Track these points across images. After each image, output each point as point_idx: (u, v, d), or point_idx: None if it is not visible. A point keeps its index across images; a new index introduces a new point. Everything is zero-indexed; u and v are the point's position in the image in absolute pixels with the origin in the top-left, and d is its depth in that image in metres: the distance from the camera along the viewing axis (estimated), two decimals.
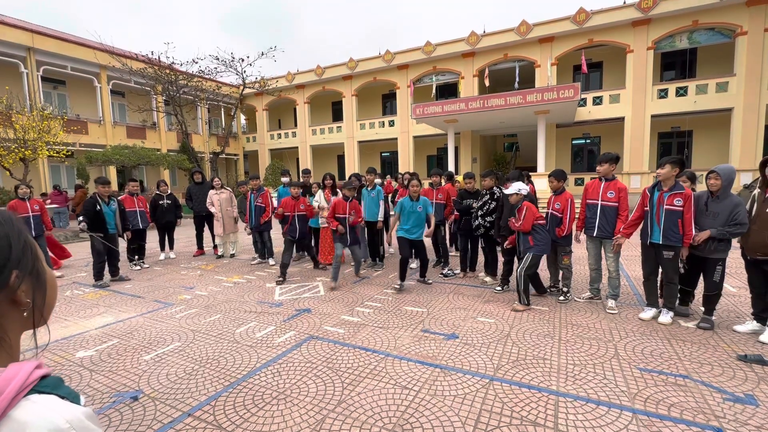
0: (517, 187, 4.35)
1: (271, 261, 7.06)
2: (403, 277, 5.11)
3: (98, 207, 5.84)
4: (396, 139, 21.21)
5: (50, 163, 16.54)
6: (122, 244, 6.64)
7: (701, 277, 3.77)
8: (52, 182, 16.76)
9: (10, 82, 15.23)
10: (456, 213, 5.81)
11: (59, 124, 12.86)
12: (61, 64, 16.98)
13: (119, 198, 6.57)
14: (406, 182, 6.70)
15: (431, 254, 7.20)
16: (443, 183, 6.41)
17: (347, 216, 5.42)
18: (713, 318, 3.65)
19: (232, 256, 7.83)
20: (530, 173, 8.86)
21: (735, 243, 3.63)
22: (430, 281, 5.41)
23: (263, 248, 7.14)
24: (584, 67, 15.51)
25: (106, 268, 5.99)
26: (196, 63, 16.80)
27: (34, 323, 0.62)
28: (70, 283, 6.01)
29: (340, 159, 24.11)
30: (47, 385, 0.55)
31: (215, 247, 7.86)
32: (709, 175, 3.62)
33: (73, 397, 0.57)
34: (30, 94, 15.68)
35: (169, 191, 7.76)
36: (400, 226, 5.16)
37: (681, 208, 3.59)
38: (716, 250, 3.54)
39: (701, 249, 3.60)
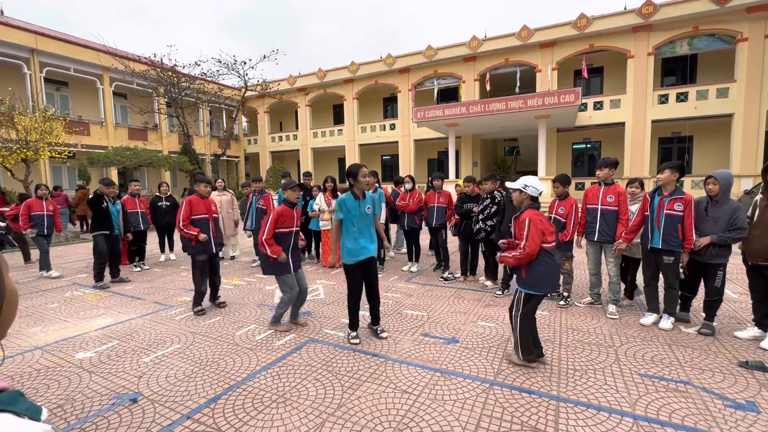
0: (523, 182, 2.96)
1: None
2: (356, 325, 3.62)
3: (104, 204, 5.90)
4: (397, 142, 21.26)
5: (52, 164, 16.57)
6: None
7: (702, 283, 3.77)
8: (54, 183, 16.79)
9: (13, 83, 15.28)
10: (456, 217, 5.81)
11: (61, 126, 12.90)
12: (64, 66, 17.07)
13: (122, 199, 6.61)
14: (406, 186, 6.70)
15: (431, 258, 7.20)
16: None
17: (293, 230, 3.91)
18: (714, 324, 3.64)
19: (233, 258, 7.82)
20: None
21: (736, 248, 3.63)
22: (385, 335, 3.64)
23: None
24: (585, 72, 15.58)
25: (107, 270, 6.00)
26: (199, 65, 16.89)
27: None
28: (70, 284, 6.01)
29: (341, 162, 24.16)
30: (1, 401, 0.50)
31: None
32: (707, 180, 3.64)
33: (32, 413, 0.52)
34: (33, 95, 15.75)
35: (169, 193, 7.77)
36: (344, 242, 3.51)
37: (681, 213, 3.59)
38: (717, 255, 3.54)
39: (702, 254, 3.59)
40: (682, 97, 15.27)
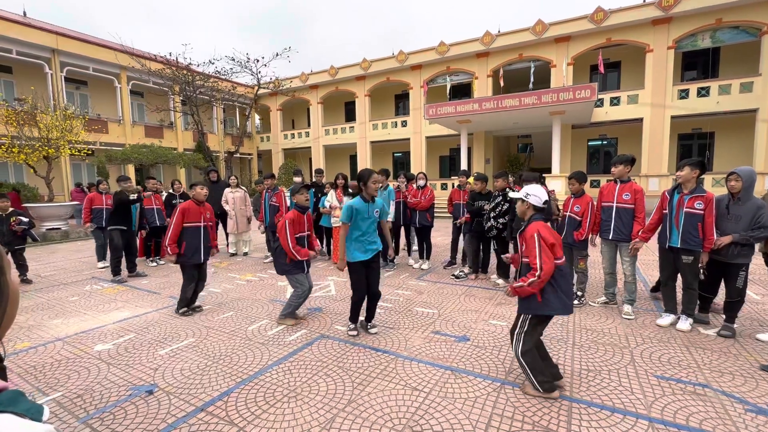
0: (524, 192, 2.67)
1: None
2: (356, 318, 3.72)
3: (127, 201, 6.09)
4: (408, 139, 21.17)
5: (72, 161, 17.04)
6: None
7: (722, 284, 3.66)
8: (74, 180, 17.28)
9: (36, 83, 15.75)
10: (467, 215, 5.76)
11: (81, 124, 13.24)
12: (83, 65, 17.49)
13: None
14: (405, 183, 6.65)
15: (446, 253, 7.17)
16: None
17: (305, 233, 4.07)
18: (735, 326, 3.53)
19: (246, 254, 7.93)
20: (544, 175, 8.71)
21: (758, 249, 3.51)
22: (374, 330, 3.73)
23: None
24: (601, 67, 15.21)
25: (124, 264, 6.15)
26: (213, 64, 17.08)
27: None
28: (90, 278, 6.18)
29: (353, 159, 24.19)
30: (1, 401, 0.50)
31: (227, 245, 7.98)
32: (729, 177, 3.52)
33: (33, 413, 0.51)
34: (54, 94, 16.19)
35: (182, 190, 7.91)
36: (351, 242, 3.58)
37: (702, 212, 3.49)
38: (739, 255, 3.43)
39: (723, 254, 3.49)
40: (703, 92, 14.79)
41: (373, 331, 3.72)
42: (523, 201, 2.68)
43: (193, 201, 4.39)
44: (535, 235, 2.48)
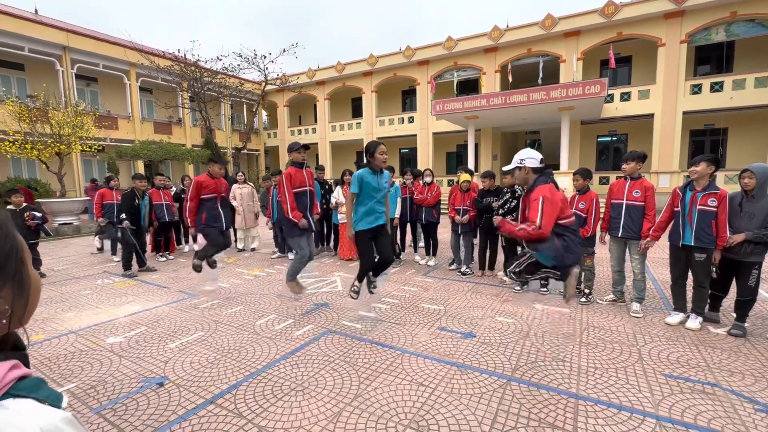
0: (517, 158, 2.60)
1: (290, 255, 7.18)
2: (362, 278, 3.79)
3: (136, 201, 6.25)
4: (415, 135, 21.10)
5: (83, 157, 17.28)
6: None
7: (733, 283, 3.61)
8: (85, 175, 17.53)
9: (47, 80, 15.98)
10: (472, 212, 5.73)
11: (91, 120, 13.42)
12: (93, 62, 17.69)
13: (148, 191, 6.89)
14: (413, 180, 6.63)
15: (448, 252, 7.15)
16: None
17: (307, 188, 4.14)
18: (746, 325, 3.49)
19: (253, 250, 8.00)
20: (553, 171, 8.62)
21: None
22: (374, 289, 3.94)
23: (283, 243, 7.27)
24: (612, 62, 14.95)
25: (134, 259, 6.26)
26: (220, 60, 17.17)
27: (9, 328, 0.57)
28: (101, 273, 6.29)
29: (360, 156, 24.18)
30: (24, 387, 0.51)
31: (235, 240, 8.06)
32: (742, 174, 3.45)
33: (53, 400, 0.52)
34: (65, 91, 16.41)
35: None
36: (358, 210, 3.60)
37: (715, 209, 3.44)
38: (752, 253, 3.38)
39: (736, 252, 3.44)
40: (716, 87, 14.49)
41: (373, 289, 3.91)
42: (520, 168, 2.61)
43: (208, 175, 4.64)
44: (541, 197, 2.44)
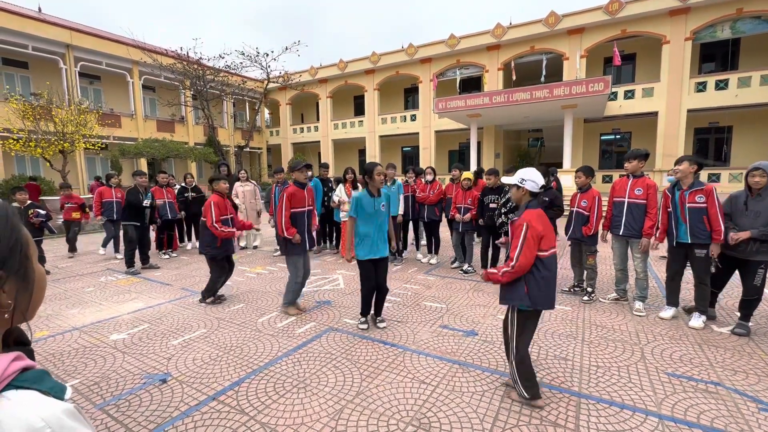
0: (520, 176, 2.51)
1: None
2: (366, 312, 3.74)
3: (141, 197, 6.28)
4: (418, 133, 21.07)
5: (86, 155, 17.36)
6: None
7: (730, 281, 3.62)
8: (89, 173, 17.61)
9: (51, 78, 16.04)
10: (473, 211, 5.72)
11: (95, 118, 13.48)
12: (96, 60, 17.74)
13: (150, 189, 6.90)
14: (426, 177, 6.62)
15: (450, 250, 7.14)
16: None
17: (306, 209, 4.08)
18: (750, 324, 3.47)
19: (255, 247, 8.02)
20: (557, 169, 8.58)
21: None
22: (383, 325, 3.72)
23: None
24: (617, 60, 14.84)
25: (137, 256, 6.28)
26: (223, 58, 17.16)
27: (12, 323, 0.57)
28: (105, 270, 6.32)
29: (362, 153, 24.18)
30: (27, 379, 0.51)
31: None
32: (752, 173, 3.42)
33: (57, 391, 0.52)
34: (68, 89, 16.47)
35: (194, 183, 8.01)
36: (357, 239, 3.62)
37: (704, 205, 3.50)
38: (758, 252, 3.35)
39: (741, 250, 3.42)
40: (721, 85, 14.38)
41: (381, 325, 3.73)
42: (518, 187, 2.50)
43: (218, 195, 4.55)
44: (524, 225, 2.34)
